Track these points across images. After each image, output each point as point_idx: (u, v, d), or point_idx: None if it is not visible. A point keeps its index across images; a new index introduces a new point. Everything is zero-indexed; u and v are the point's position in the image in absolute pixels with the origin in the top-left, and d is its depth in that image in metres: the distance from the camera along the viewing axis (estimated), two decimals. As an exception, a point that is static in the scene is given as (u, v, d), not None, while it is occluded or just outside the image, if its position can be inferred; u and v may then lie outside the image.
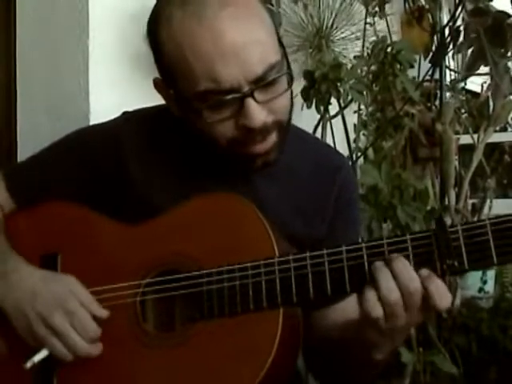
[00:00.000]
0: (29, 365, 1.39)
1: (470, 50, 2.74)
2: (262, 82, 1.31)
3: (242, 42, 1.29)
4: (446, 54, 2.86)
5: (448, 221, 1.95)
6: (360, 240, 1.50)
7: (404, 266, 1.21)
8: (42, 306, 1.39)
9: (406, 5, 3.08)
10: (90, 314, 1.39)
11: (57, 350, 1.38)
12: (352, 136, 2.84)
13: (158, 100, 1.53)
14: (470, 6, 2.66)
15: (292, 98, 1.42)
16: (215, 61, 1.28)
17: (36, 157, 1.64)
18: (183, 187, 1.48)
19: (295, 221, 1.50)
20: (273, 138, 1.38)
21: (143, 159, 1.52)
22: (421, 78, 2.92)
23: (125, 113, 1.60)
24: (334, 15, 3.00)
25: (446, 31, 2.78)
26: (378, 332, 1.25)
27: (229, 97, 1.30)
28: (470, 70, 2.79)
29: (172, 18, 1.33)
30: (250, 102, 1.31)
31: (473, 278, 2.87)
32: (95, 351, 1.39)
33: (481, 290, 2.88)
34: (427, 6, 2.94)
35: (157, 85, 1.46)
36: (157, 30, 1.36)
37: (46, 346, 1.39)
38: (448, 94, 2.98)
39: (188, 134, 1.49)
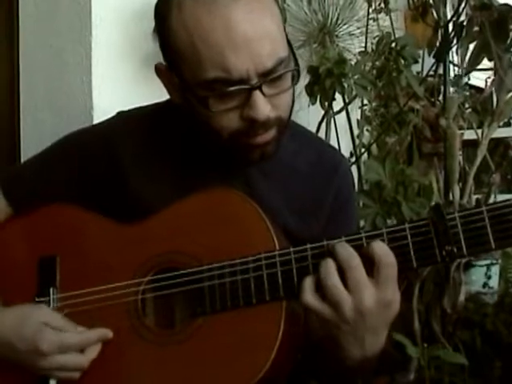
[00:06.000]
0: None
1: (472, 44, 2.74)
2: (271, 76, 1.31)
3: (254, 35, 1.28)
4: (450, 49, 2.86)
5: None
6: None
7: (342, 246, 1.24)
8: (24, 358, 1.39)
9: (410, 0, 3.08)
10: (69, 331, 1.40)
11: (62, 378, 1.39)
12: (356, 132, 2.84)
13: (161, 96, 1.53)
14: (473, 1, 2.66)
15: (294, 96, 1.41)
16: (227, 50, 1.27)
17: (32, 161, 1.64)
18: (180, 185, 1.48)
19: (290, 218, 1.50)
20: (273, 132, 1.37)
21: (139, 159, 1.51)
22: (424, 74, 2.92)
23: (119, 113, 1.60)
24: (338, 11, 3.00)
25: (450, 26, 2.77)
26: (325, 324, 1.25)
27: (237, 87, 1.30)
28: (473, 63, 2.78)
29: (184, 4, 1.32)
30: (258, 94, 1.30)
31: (477, 274, 2.86)
32: (95, 352, 1.39)
33: (485, 285, 2.88)
34: (431, 2, 2.93)
35: (159, 70, 1.44)
36: (166, 16, 1.35)
37: (51, 377, 1.40)
38: (452, 89, 2.98)
39: (185, 129, 1.49)
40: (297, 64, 1.37)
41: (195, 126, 1.43)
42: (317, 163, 1.56)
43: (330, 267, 1.23)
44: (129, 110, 1.60)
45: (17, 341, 1.39)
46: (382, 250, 1.22)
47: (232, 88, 1.30)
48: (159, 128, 1.55)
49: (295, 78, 1.37)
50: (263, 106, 1.31)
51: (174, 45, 1.34)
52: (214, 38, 1.28)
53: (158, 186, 1.49)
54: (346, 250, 1.23)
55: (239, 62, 1.28)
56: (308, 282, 1.25)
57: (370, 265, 1.22)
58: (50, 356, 1.37)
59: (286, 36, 1.39)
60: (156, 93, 1.56)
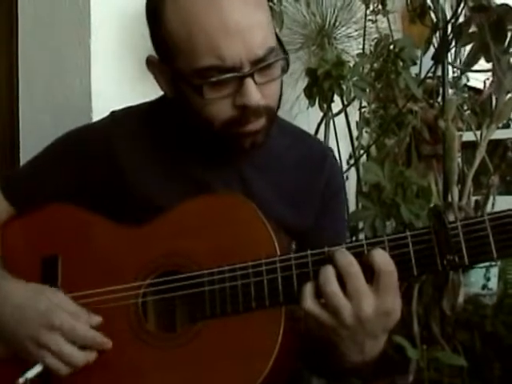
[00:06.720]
0: (21, 381, 1.38)
1: (470, 46, 2.74)
2: (262, 64, 1.36)
3: (247, 24, 1.34)
4: (449, 50, 2.86)
5: (451, 218, 1.94)
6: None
7: (342, 253, 1.24)
8: (30, 327, 1.39)
9: (408, 1, 3.07)
10: (82, 322, 1.40)
11: (51, 364, 1.39)
12: (355, 133, 2.84)
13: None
14: (471, 2, 2.65)
15: (282, 87, 1.46)
16: (221, 39, 1.32)
17: (32, 161, 1.65)
18: (176, 181, 1.51)
19: (285, 210, 1.53)
20: (263, 121, 1.41)
21: (135, 154, 1.54)
22: (423, 75, 2.92)
23: (113, 112, 1.62)
24: (335, 13, 3.00)
25: (449, 28, 2.77)
26: (324, 329, 1.26)
27: (230, 75, 1.34)
28: (470, 63, 2.78)
29: None
30: (250, 81, 1.35)
31: (476, 275, 2.87)
32: (92, 357, 1.40)
33: (484, 286, 2.88)
34: (429, 3, 2.93)
35: (151, 63, 1.47)
36: (160, 6, 1.39)
37: (40, 361, 1.40)
38: (450, 91, 2.98)
39: (178, 123, 1.52)
40: (285, 53, 1.42)
41: (187, 117, 1.47)
42: (307, 155, 1.61)
43: (329, 274, 1.24)
44: (122, 109, 1.62)
45: (30, 307, 1.40)
46: (382, 258, 1.22)
47: (225, 75, 1.34)
48: (153, 123, 1.57)
49: (285, 69, 1.42)
50: (255, 93, 1.36)
51: (168, 35, 1.38)
52: (209, 26, 1.32)
53: (155, 180, 1.52)
54: (345, 257, 1.24)
55: (233, 49, 1.32)
56: (308, 288, 1.26)
57: (371, 273, 1.23)
58: (56, 333, 1.38)
59: (274, 28, 1.44)
60: (155, 94, 1.57)
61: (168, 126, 1.55)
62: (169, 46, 1.39)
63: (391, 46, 2.59)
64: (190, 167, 1.53)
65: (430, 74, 2.88)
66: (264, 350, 1.27)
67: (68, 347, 1.38)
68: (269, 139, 1.46)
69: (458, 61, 3.10)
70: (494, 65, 2.64)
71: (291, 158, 1.59)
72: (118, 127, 1.57)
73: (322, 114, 2.64)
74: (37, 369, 1.39)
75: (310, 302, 1.25)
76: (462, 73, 3.13)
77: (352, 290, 1.22)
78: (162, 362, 1.34)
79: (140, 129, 1.57)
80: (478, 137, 2.66)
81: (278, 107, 1.46)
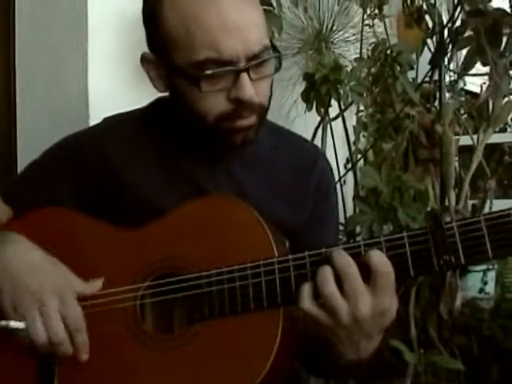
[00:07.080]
0: (3, 323, 1.36)
1: (466, 50, 2.74)
2: (257, 60, 1.40)
3: (244, 22, 1.39)
4: (446, 55, 2.86)
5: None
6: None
7: (340, 253, 1.26)
8: (40, 284, 1.38)
9: (405, 5, 3.08)
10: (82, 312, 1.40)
11: (35, 326, 1.36)
12: (352, 138, 2.85)
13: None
14: (468, 7, 2.66)
15: (272, 87, 1.50)
16: (219, 33, 1.37)
17: (30, 168, 1.67)
18: (174, 181, 1.53)
19: (278, 208, 1.54)
20: (254, 118, 1.45)
21: (133, 160, 1.55)
22: (419, 80, 2.93)
23: (106, 119, 1.65)
24: (333, 17, 3.01)
25: (445, 32, 2.78)
26: (322, 329, 1.28)
27: (226, 68, 1.38)
28: (466, 67, 2.79)
29: None
30: (245, 76, 1.39)
31: (473, 279, 2.87)
32: (69, 351, 1.38)
33: (481, 290, 2.88)
34: (425, 8, 2.94)
35: (146, 59, 1.50)
36: (158, 8, 1.43)
37: (27, 319, 1.36)
38: (447, 95, 2.98)
39: (174, 123, 1.54)
40: (278, 52, 1.47)
41: (181, 114, 1.50)
42: (296, 156, 1.63)
43: (327, 275, 1.25)
44: (115, 115, 1.65)
45: (43, 267, 1.42)
46: (378, 259, 1.24)
47: (222, 69, 1.38)
48: (149, 126, 1.60)
49: (277, 67, 1.46)
50: (249, 88, 1.40)
51: (166, 34, 1.42)
52: (207, 21, 1.37)
53: (154, 181, 1.53)
54: (343, 258, 1.25)
55: (230, 44, 1.37)
56: (306, 289, 1.27)
57: (368, 273, 1.24)
58: (58, 301, 1.37)
59: (271, 32, 1.49)
60: (151, 99, 1.58)
61: (163, 127, 1.58)
62: (166, 44, 1.42)
63: (388, 51, 2.59)
64: (185, 167, 1.55)
65: (426, 79, 2.89)
66: (262, 351, 1.27)
67: (59, 320, 1.37)
68: (258, 139, 1.50)
69: (455, 65, 3.11)
70: (490, 69, 2.65)
71: (280, 157, 1.61)
72: (113, 132, 1.59)
73: (319, 118, 2.64)
74: (20, 324, 1.36)
75: (307, 303, 1.26)
76: (460, 77, 3.14)
77: (349, 290, 1.24)
78: (160, 364, 1.34)
79: (136, 132, 1.59)
80: (475, 141, 2.66)
81: (269, 106, 1.50)
